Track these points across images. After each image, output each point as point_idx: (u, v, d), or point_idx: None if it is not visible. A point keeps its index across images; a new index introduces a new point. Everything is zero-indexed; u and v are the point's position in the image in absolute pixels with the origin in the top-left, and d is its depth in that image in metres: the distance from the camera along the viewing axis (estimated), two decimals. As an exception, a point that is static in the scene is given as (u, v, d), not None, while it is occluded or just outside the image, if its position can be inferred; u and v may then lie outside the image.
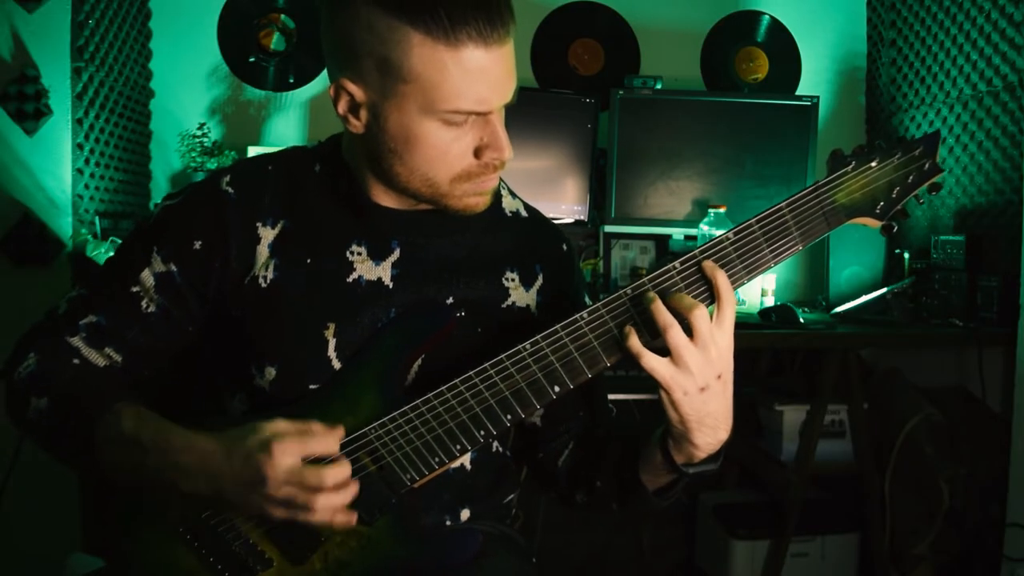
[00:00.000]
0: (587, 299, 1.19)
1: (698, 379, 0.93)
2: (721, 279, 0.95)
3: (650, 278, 0.97)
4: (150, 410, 0.99)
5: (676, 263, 0.97)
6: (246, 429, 0.92)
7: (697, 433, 0.96)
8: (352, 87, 0.97)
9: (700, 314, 0.92)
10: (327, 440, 0.93)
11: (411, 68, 0.93)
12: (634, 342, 0.94)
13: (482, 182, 1.02)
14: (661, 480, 1.06)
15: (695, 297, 0.96)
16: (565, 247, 1.22)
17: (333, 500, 0.91)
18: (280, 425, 0.92)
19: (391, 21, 0.92)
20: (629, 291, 0.97)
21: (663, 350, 0.93)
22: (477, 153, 0.99)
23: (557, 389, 0.98)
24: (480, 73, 0.94)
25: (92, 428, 0.97)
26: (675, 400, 0.94)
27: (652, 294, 0.95)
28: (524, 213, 1.21)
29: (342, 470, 0.92)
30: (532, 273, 1.16)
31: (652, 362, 0.93)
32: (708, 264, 0.96)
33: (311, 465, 0.91)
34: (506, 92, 0.98)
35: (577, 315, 0.97)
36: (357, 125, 1.00)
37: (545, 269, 1.17)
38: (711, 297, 0.96)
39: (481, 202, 1.04)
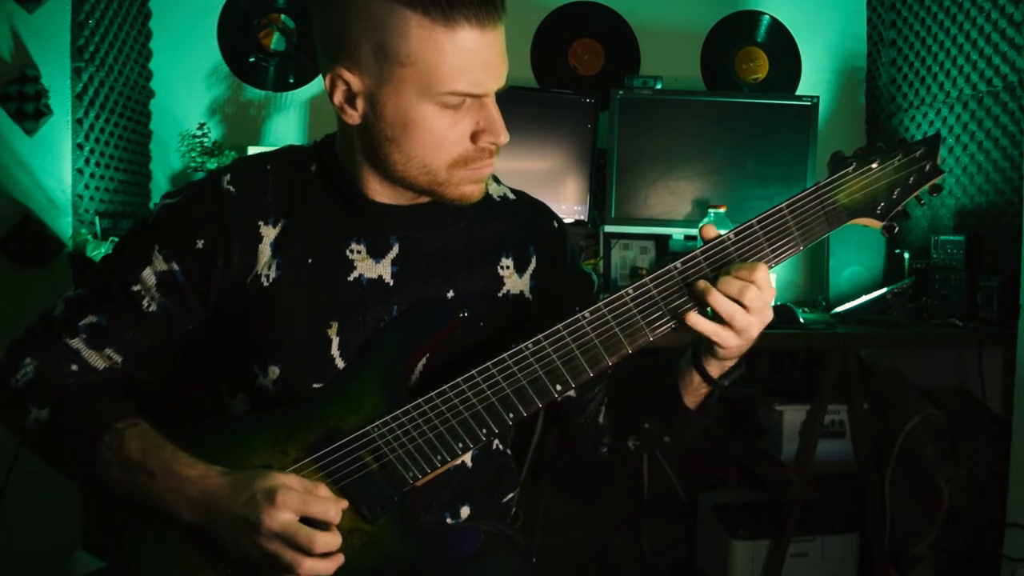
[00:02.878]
0: (583, 267, 1.23)
1: (752, 332, 1.00)
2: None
3: (652, 278, 0.99)
4: (151, 426, 1.00)
5: (677, 263, 0.98)
6: (258, 473, 0.93)
7: (737, 352, 1.04)
8: (348, 76, 0.98)
9: (761, 275, 0.98)
10: (329, 507, 0.93)
11: (409, 51, 0.94)
12: (699, 320, 0.99)
13: (478, 168, 1.03)
14: (698, 398, 1.11)
15: (680, 304, 0.99)
16: (556, 223, 1.23)
17: (318, 566, 0.91)
18: (290, 479, 0.93)
19: (388, 4, 0.93)
20: (631, 291, 0.98)
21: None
22: (474, 138, 1.00)
23: (559, 387, 0.98)
24: (475, 55, 0.95)
25: (94, 448, 0.97)
26: (728, 349, 1.01)
27: (704, 283, 0.98)
28: (512, 196, 1.22)
29: (333, 539, 0.92)
30: (526, 256, 1.17)
31: (722, 333, 0.99)
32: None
33: (306, 526, 0.91)
34: (500, 76, 1.00)
35: (579, 315, 0.98)
36: (353, 115, 1.00)
37: (539, 249, 1.18)
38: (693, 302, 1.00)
39: (477, 190, 1.05)
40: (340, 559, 0.94)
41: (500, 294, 1.13)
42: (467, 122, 1.00)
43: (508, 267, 1.15)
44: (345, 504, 0.96)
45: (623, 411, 1.19)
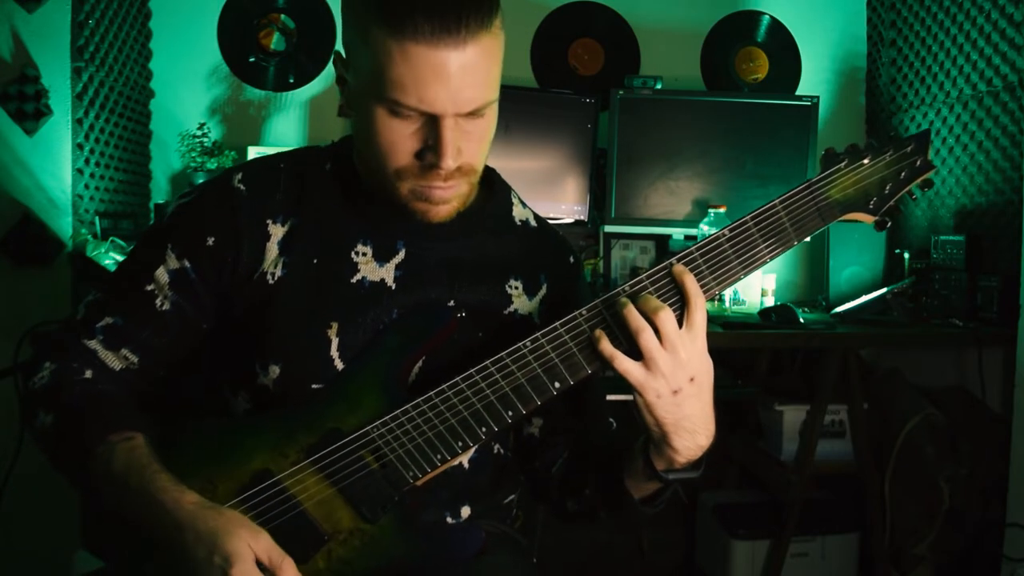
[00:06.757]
0: None
1: (670, 382, 0.94)
2: (688, 282, 0.95)
3: (629, 284, 0.98)
4: (146, 440, 0.98)
5: (653, 268, 0.98)
6: (227, 524, 0.90)
7: (675, 437, 0.97)
8: (345, 75, 1.03)
9: (665, 316, 0.93)
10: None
11: (368, 51, 0.95)
12: (605, 345, 0.95)
13: (426, 188, 1.00)
14: (646, 488, 1.06)
15: (668, 302, 0.96)
16: (572, 259, 1.23)
17: None
18: (260, 544, 0.90)
19: (360, 11, 0.96)
20: (627, 287, 0.98)
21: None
22: (419, 154, 0.99)
23: (557, 385, 0.98)
24: (424, 71, 0.92)
25: (88, 460, 0.97)
26: (648, 403, 0.95)
27: (624, 299, 0.95)
28: (533, 223, 1.21)
29: None
30: (536, 282, 1.16)
31: (625, 364, 0.94)
32: (677, 268, 0.96)
33: None
34: (453, 99, 0.94)
35: (576, 312, 0.98)
36: (350, 113, 1.04)
37: (550, 279, 1.18)
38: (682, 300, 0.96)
39: (431, 211, 1.03)
40: None
41: (507, 311, 1.13)
42: (417, 138, 0.98)
43: (517, 287, 1.14)
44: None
45: (574, 468, 1.16)
